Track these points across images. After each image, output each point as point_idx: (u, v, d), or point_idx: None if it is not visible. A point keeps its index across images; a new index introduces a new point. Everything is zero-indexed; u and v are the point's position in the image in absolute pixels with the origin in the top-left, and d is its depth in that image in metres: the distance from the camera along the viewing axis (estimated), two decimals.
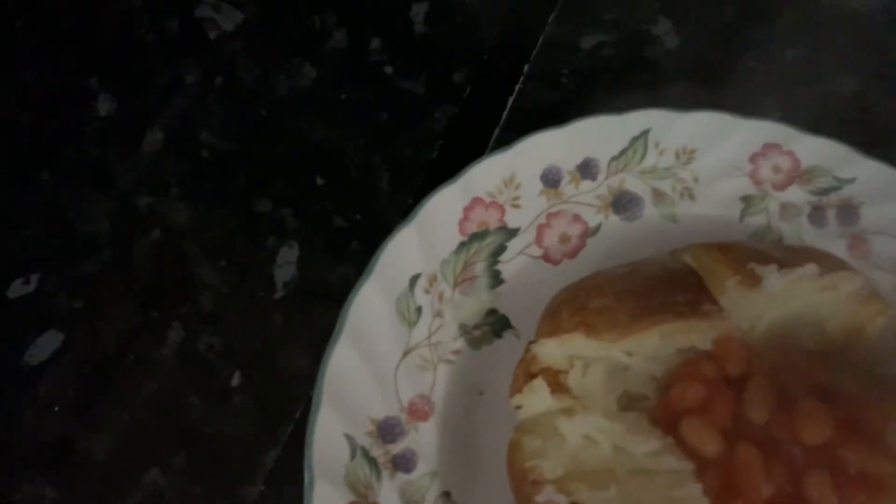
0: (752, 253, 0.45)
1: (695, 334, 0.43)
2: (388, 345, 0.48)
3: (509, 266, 0.52)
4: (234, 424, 0.51)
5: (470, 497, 0.46)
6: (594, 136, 0.54)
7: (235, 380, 0.53)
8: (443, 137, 0.62)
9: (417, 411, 0.47)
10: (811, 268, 0.44)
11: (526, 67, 0.64)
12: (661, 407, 0.44)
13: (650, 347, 0.44)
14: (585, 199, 0.54)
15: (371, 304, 0.48)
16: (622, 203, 0.54)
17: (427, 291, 0.50)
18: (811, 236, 0.53)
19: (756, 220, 0.53)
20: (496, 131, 0.61)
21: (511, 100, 0.63)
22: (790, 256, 0.45)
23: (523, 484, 0.41)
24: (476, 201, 0.52)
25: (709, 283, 0.44)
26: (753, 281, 0.44)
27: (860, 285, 0.46)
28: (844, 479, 0.43)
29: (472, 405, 0.48)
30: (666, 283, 0.45)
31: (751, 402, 0.42)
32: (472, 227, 0.52)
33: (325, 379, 0.45)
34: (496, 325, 0.51)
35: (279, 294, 0.55)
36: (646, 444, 0.42)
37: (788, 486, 0.42)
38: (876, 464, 0.42)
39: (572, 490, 0.40)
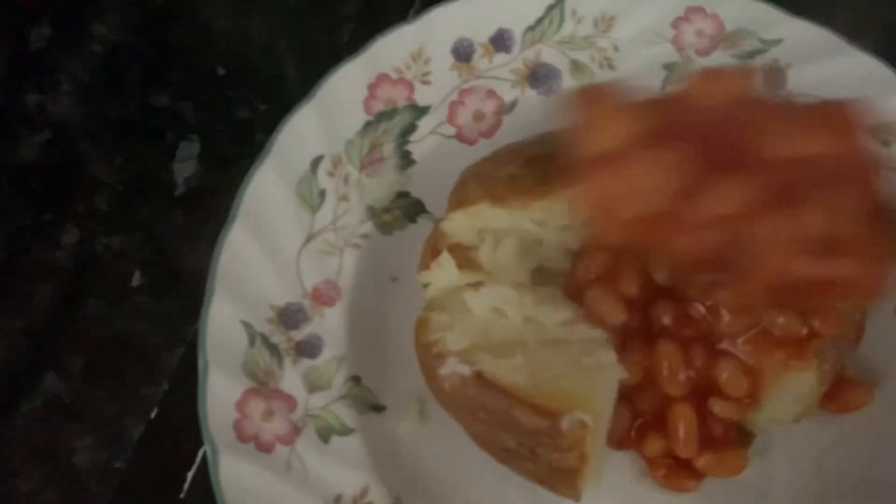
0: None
1: None
2: (289, 230, 0.45)
3: (420, 146, 0.49)
4: (135, 325, 0.49)
5: (381, 381, 0.44)
6: (508, 5, 0.51)
7: (135, 280, 0.50)
8: (354, 20, 0.58)
9: (323, 296, 0.45)
10: None
11: None
12: (571, 279, 0.42)
13: (562, 216, 0.42)
14: (500, 73, 0.51)
15: (268, 188, 0.45)
16: (539, 76, 0.51)
17: (331, 174, 0.47)
18: None
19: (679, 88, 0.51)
20: (411, 13, 0.58)
21: None
22: None
23: (428, 357, 0.39)
24: (382, 78, 0.49)
25: None
26: None
27: None
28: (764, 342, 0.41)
29: (384, 290, 0.46)
30: None
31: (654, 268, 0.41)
32: (379, 106, 0.49)
33: (218, 265, 0.42)
34: (409, 209, 0.48)
35: (180, 191, 0.52)
36: (556, 315, 0.41)
37: (704, 367, 0.41)
38: (795, 324, 0.41)
39: (477, 360, 0.38)
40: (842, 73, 0.49)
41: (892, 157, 0.48)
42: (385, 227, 0.47)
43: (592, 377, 0.38)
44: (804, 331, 0.40)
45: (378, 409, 0.44)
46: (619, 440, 0.43)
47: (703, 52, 0.51)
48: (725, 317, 0.41)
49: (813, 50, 0.50)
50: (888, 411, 0.44)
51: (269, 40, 0.57)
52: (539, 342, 0.40)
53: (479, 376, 0.37)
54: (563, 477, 0.38)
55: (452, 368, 0.38)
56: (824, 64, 0.49)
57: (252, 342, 0.42)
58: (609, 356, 0.39)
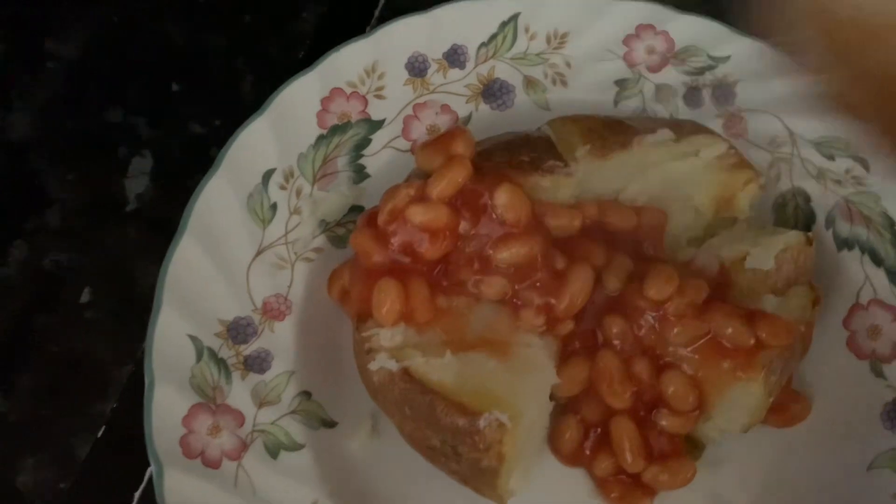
0: (610, 123, 0.44)
1: (539, 191, 0.41)
2: (239, 243, 0.44)
3: (375, 160, 0.49)
4: (84, 342, 0.48)
5: (332, 395, 0.44)
6: (461, 21, 0.51)
7: (85, 296, 0.49)
8: (311, 37, 0.58)
9: (272, 311, 0.44)
10: (664, 132, 0.42)
11: None
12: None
13: None
14: (454, 88, 0.51)
15: (218, 201, 0.45)
16: (493, 91, 0.51)
17: (283, 188, 0.47)
18: (687, 117, 0.51)
19: (631, 104, 0.51)
20: (367, 29, 0.58)
21: None
22: (649, 125, 0.44)
23: (361, 353, 0.39)
24: (335, 92, 0.49)
25: (560, 148, 0.43)
26: (604, 151, 0.42)
27: (724, 151, 0.44)
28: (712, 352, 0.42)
29: (333, 306, 0.45)
30: (515, 146, 0.43)
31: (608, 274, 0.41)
32: (333, 120, 0.49)
33: (166, 278, 0.42)
34: None
35: (131, 206, 0.52)
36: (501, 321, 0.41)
37: (649, 380, 0.42)
38: (743, 335, 0.41)
39: (405, 356, 0.38)
40: (790, 90, 0.50)
41: (837, 171, 0.49)
42: (338, 241, 0.47)
43: (521, 379, 0.38)
44: (752, 341, 0.41)
45: (329, 424, 0.43)
46: (570, 455, 0.43)
47: (655, 69, 0.52)
48: (674, 327, 0.41)
49: (760, 66, 0.51)
50: (829, 418, 0.44)
51: (226, 56, 0.57)
52: (476, 342, 0.40)
53: (405, 372, 0.37)
54: (483, 478, 0.38)
55: (381, 364, 0.38)
56: (773, 81, 0.50)
57: (199, 357, 0.42)
58: (544, 361, 0.40)
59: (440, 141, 0.43)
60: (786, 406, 0.45)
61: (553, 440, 0.44)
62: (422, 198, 0.41)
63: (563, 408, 0.44)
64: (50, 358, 0.47)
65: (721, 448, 0.45)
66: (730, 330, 0.41)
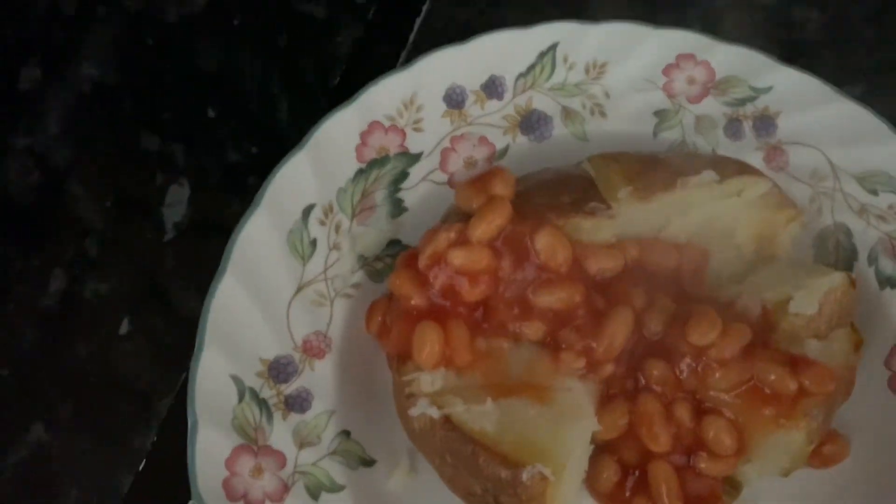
0: (650, 162, 0.43)
1: (580, 233, 0.41)
2: (280, 280, 0.45)
3: (412, 193, 0.49)
4: (123, 373, 0.48)
5: (371, 434, 0.44)
6: (499, 52, 0.51)
7: (124, 327, 0.49)
8: (346, 62, 0.58)
9: (313, 349, 0.44)
10: (708, 174, 0.42)
11: None
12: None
13: None
14: (491, 119, 0.51)
15: (260, 238, 0.45)
16: (530, 123, 0.51)
17: (322, 223, 0.47)
18: (727, 149, 0.50)
19: (670, 135, 0.51)
20: (403, 54, 0.58)
21: (419, 20, 0.59)
22: (692, 164, 0.43)
23: (401, 397, 0.39)
24: (374, 125, 0.49)
25: (602, 188, 0.42)
26: (647, 193, 0.42)
27: (767, 189, 0.44)
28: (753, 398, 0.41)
29: (374, 341, 0.45)
30: (555, 186, 0.42)
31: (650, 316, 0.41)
32: (371, 154, 0.48)
33: (208, 318, 0.42)
34: None
35: (169, 235, 0.52)
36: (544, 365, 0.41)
37: (690, 424, 0.41)
38: (786, 382, 0.41)
39: (446, 403, 0.38)
40: (830, 121, 0.49)
41: (880, 207, 0.49)
42: (377, 276, 0.47)
43: (562, 427, 0.38)
44: (795, 388, 0.40)
45: (368, 463, 0.44)
46: (607, 496, 0.43)
47: (695, 100, 0.51)
48: (716, 372, 0.41)
49: (802, 97, 0.50)
50: (868, 461, 0.44)
51: (260, 81, 0.57)
52: (516, 387, 0.40)
53: (447, 420, 0.37)
54: None
55: (422, 410, 0.38)
56: (813, 111, 0.50)
57: (241, 397, 0.42)
58: (585, 407, 0.39)
59: (480, 181, 0.43)
60: (824, 447, 0.45)
61: (591, 480, 0.44)
62: (462, 241, 0.41)
63: (601, 447, 0.44)
64: (90, 389, 0.48)
65: (760, 487, 0.44)
66: (772, 377, 0.41)
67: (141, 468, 0.46)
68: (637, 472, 0.43)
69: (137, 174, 0.53)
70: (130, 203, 0.53)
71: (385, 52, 0.58)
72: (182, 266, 0.51)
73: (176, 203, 0.53)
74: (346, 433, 0.43)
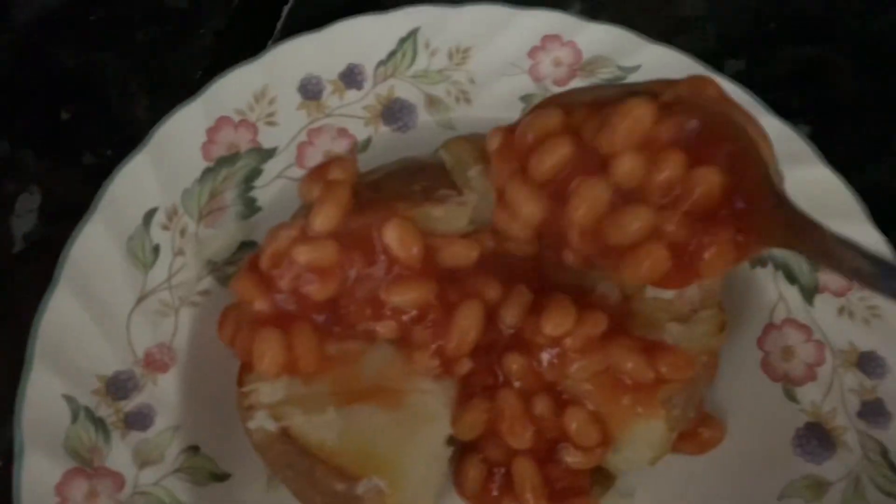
0: None
1: (433, 222, 0.39)
2: (119, 291, 0.42)
3: (266, 191, 0.47)
4: None
5: (224, 447, 0.42)
6: (357, 39, 0.49)
7: None
8: (209, 55, 0.55)
9: (155, 362, 0.42)
10: None
11: None
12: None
13: None
14: (351, 110, 0.49)
15: (96, 247, 0.42)
16: (393, 112, 0.49)
17: (166, 228, 0.44)
18: None
19: None
20: (269, 44, 0.55)
21: (287, 8, 0.57)
22: None
23: (242, 409, 0.37)
24: (222, 121, 0.46)
25: (454, 174, 0.41)
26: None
27: None
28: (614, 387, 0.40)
29: (225, 350, 0.43)
30: (407, 175, 0.41)
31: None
32: (220, 151, 0.46)
33: (37, 336, 0.40)
34: None
35: (18, 248, 0.49)
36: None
37: (552, 418, 0.40)
38: (642, 370, 0.39)
39: (285, 414, 0.36)
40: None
41: None
42: (227, 282, 0.45)
43: (410, 434, 0.37)
44: (652, 376, 0.39)
45: (221, 478, 0.41)
46: (475, 496, 0.42)
47: (561, 82, 0.50)
48: (573, 363, 0.40)
49: (671, 75, 0.49)
50: (742, 443, 0.43)
51: (119, 79, 0.54)
52: (367, 392, 0.38)
53: (284, 433, 0.36)
54: None
55: (260, 423, 0.36)
56: None
57: (75, 417, 0.40)
58: (438, 409, 0.38)
59: (317, 170, 0.41)
60: (698, 432, 0.44)
61: (458, 482, 0.42)
62: (306, 236, 0.39)
63: (467, 447, 0.42)
64: None
65: (633, 477, 0.43)
66: (629, 365, 0.39)
67: None
68: (503, 470, 0.42)
69: None
70: None
71: (251, 43, 0.55)
72: (32, 280, 0.48)
73: (25, 213, 0.50)
74: (194, 448, 0.41)
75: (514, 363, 0.40)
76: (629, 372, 0.39)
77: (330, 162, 0.40)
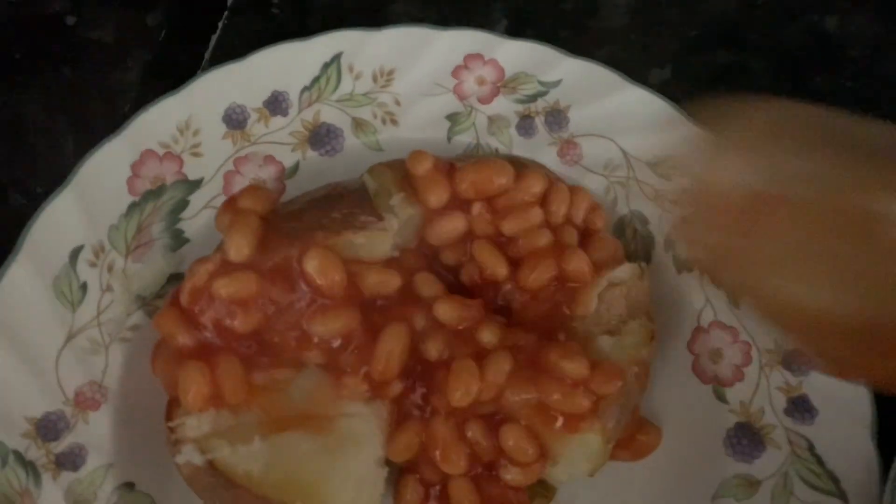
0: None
1: (356, 250, 0.40)
2: (46, 331, 0.42)
3: (193, 223, 0.47)
4: None
5: (161, 483, 0.41)
6: (280, 66, 0.49)
7: None
8: (136, 88, 0.55)
9: (86, 401, 0.42)
10: None
11: None
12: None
13: None
14: (278, 137, 0.49)
15: (21, 288, 0.42)
16: (319, 137, 0.49)
17: (93, 265, 0.44)
18: (522, 147, 0.50)
19: (464, 139, 0.50)
20: (198, 73, 0.55)
21: (214, 38, 0.57)
22: None
23: (170, 444, 0.37)
24: (147, 154, 0.46)
25: (376, 202, 0.41)
26: (418, 198, 0.41)
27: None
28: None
29: (157, 384, 0.43)
30: (328, 202, 0.41)
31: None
32: (145, 185, 0.46)
33: None
34: None
35: None
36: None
37: (487, 438, 0.40)
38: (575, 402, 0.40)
39: (211, 447, 0.36)
40: (619, 109, 0.49)
41: (673, 191, 0.48)
42: None
43: (336, 459, 0.37)
44: (583, 405, 0.39)
45: None
46: None
47: (486, 100, 0.50)
48: (502, 394, 0.40)
49: (590, 88, 0.50)
50: (677, 447, 0.44)
51: (44, 117, 0.54)
52: (296, 420, 0.38)
53: (210, 465, 0.36)
54: None
55: (187, 458, 0.36)
56: (602, 101, 0.49)
57: (4, 462, 0.39)
58: (368, 433, 0.38)
59: (229, 200, 0.41)
60: (635, 438, 0.45)
61: (396, 502, 0.43)
62: (224, 269, 0.39)
63: (405, 468, 0.43)
64: None
65: (573, 487, 0.44)
66: (556, 396, 0.40)
67: None
68: (439, 490, 0.42)
69: None
70: None
71: (179, 74, 0.55)
72: None
73: None
74: (129, 485, 0.41)
75: (439, 401, 0.41)
76: (557, 404, 0.40)
77: (241, 191, 0.41)
